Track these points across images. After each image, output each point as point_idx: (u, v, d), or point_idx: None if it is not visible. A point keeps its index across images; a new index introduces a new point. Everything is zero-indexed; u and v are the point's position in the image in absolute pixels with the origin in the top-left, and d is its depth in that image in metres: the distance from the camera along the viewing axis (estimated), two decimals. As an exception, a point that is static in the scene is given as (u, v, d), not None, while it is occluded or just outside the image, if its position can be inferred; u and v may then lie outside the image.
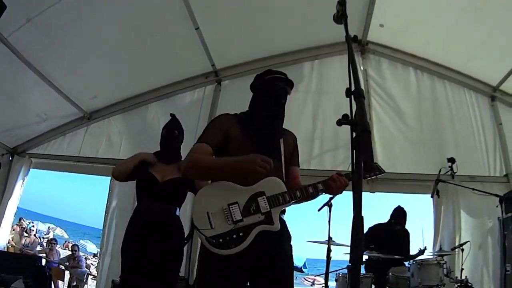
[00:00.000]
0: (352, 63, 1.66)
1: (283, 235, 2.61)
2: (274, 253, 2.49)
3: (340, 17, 1.88)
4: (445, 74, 6.96)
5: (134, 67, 6.57)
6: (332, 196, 4.48)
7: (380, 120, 6.78)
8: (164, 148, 4.25)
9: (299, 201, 2.67)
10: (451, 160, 6.17)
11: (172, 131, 4.29)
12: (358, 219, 1.36)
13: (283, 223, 2.62)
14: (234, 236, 2.42)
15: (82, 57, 5.99)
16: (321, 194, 2.66)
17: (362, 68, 7.01)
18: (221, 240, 2.40)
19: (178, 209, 4.05)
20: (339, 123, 1.59)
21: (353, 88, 1.56)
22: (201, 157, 2.57)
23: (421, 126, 6.82)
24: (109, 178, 6.69)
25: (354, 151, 1.45)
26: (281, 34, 6.73)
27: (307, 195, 2.60)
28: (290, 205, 2.59)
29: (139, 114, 7.21)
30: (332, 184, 2.60)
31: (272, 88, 2.78)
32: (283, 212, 2.64)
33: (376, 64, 7.12)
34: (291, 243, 2.67)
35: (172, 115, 4.45)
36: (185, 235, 4.05)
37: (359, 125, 1.45)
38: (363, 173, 1.44)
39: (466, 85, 6.93)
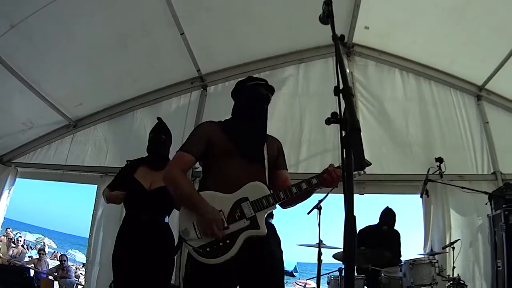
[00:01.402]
0: (339, 62, 1.64)
1: (272, 240, 2.59)
2: (263, 259, 2.48)
3: (327, 17, 1.87)
4: (430, 74, 7.00)
5: (119, 74, 6.52)
6: (321, 199, 4.53)
7: (367, 122, 6.76)
8: (152, 154, 4.18)
9: (288, 202, 2.66)
10: (439, 160, 6.22)
11: (160, 136, 4.22)
12: (350, 219, 1.33)
13: (271, 227, 2.61)
14: (221, 244, 2.40)
15: (67, 64, 5.94)
16: (316, 188, 2.61)
17: (348, 70, 6.98)
18: (208, 249, 2.39)
19: (167, 217, 4.00)
20: (328, 122, 1.56)
21: (341, 87, 1.54)
22: (177, 177, 2.58)
23: (408, 127, 6.84)
24: (96, 186, 6.63)
25: (344, 150, 1.42)
26: (266, 38, 6.73)
27: (291, 195, 2.56)
28: (275, 207, 2.57)
29: (125, 121, 7.13)
30: (327, 178, 2.58)
31: (255, 94, 2.81)
32: (271, 216, 2.63)
33: (362, 66, 7.14)
34: (281, 247, 2.65)
35: (159, 118, 4.38)
36: (175, 242, 4.00)
37: (349, 123, 1.43)
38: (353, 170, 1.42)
39: (452, 85, 6.98)
